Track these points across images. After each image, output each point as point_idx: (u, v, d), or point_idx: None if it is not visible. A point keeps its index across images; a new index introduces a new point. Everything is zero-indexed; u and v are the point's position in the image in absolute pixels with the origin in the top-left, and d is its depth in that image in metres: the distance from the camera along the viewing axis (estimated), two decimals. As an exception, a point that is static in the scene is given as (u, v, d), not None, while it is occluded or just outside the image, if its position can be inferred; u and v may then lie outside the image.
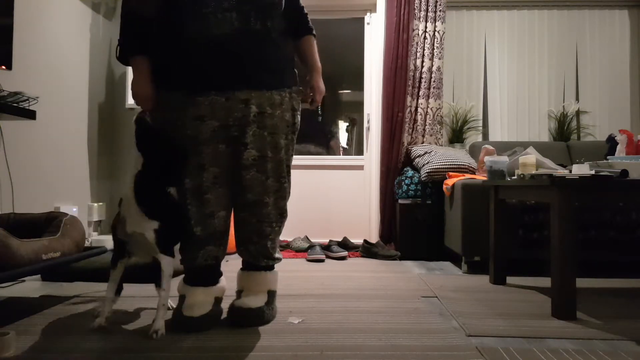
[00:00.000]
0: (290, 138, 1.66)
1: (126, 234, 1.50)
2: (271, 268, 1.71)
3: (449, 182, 2.95)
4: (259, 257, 1.68)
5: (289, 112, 1.62)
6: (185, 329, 1.53)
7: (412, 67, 3.60)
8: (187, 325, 1.53)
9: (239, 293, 1.70)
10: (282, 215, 1.68)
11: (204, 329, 1.54)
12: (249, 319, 1.58)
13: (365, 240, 3.31)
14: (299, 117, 1.69)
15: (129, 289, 2.14)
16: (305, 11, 1.77)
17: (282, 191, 1.65)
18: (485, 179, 2.47)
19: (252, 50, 1.52)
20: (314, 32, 1.78)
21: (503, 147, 3.13)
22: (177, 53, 1.52)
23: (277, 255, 1.73)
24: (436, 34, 3.62)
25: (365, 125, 3.90)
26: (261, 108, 1.55)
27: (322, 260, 3.05)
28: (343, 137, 4.69)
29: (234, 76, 1.52)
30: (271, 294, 1.69)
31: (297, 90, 1.67)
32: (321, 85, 1.77)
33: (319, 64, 1.79)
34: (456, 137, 3.77)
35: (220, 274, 1.72)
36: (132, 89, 1.55)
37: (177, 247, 1.62)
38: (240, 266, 1.76)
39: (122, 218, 1.50)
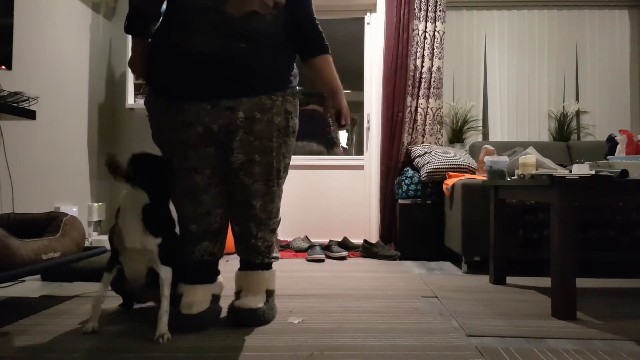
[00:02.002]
0: (283, 141, 1.62)
1: (124, 248, 1.51)
2: (268, 267, 1.71)
3: (449, 182, 2.95)
4: (254, 255, 1.68)
5: (280, 115, 1.59)
6: (184, 328, 1.53)
7: (412, 67, 3.60)
8: (186, 323, 1.53)
9: (238, 294, 1.70)
10: (270, 218, 1.67)
11: (203, 327, 1.54)
12: (250, 320, 1.59)
13: (365, 240, 3.31)
14: (294, 119, 1.65)
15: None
16: (320, 29, 1.67)
17: (270, 195, 1.64)
18: (485, 179, 2.47)
19: (238, 62, 1.50)
20: (329, 50, 1.69)
21: (503, 147, 3.13)
22: (166, 61, 1.54)
23: (273, 254, 1.73)
24: (436, 34, 3.62)
25: (365, 125, 3.90)
26: (249, 113, 1.54)
27: (322, 260, 3.05)
28: (343, 137, 4.69)
29: (217, 87, 1.51)
30: (270, 293, 1.70)
31: (291, 92, 1.63)
32: (345, 105, 1.71)
33: (340, 84, 1.69)
34: (456, 137, 3.77)
35: (218, 272, 1.72)
36: (128, 64, 1.71)
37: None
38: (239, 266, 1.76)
39: (119, 231, 1.51)
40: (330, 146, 4.30)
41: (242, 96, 1.53)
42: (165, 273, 1.51)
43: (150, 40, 1.65)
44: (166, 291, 1.50)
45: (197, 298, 1.59)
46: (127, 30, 1.67)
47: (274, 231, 1.71)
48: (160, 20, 1.63)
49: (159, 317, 1.47)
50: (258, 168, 1.59)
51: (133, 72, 1.71)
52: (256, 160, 1.58)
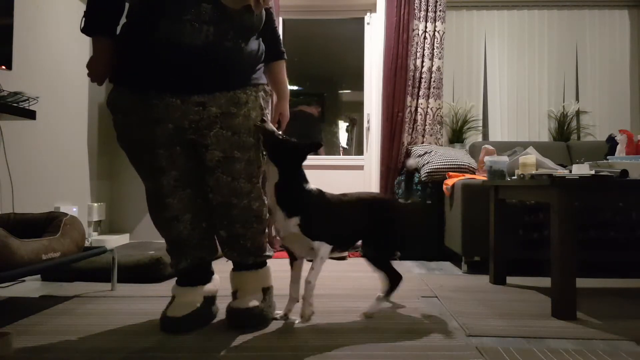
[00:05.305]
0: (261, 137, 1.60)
1: (284, 239, 1.59)
2: (262, 265, 1.68)
3: (449, 182, 2.95)
4: (245, 256, 1.64)
5: (256, 110, 1.56)
6: (168, 330, 1.52)
7: (412, 67, 3.60)
8: (169, 325, 1.52)
9: (234, 294, 1.66)
10: (257, 217, 1.60)
11: (187, 329, 1.52)
12: (248, 320, 1.56)
13: (365, 240, 3.31)
14: (268, 116, 1.64)
15: (129, 289, 2.14)
16: (278, 33, 1.79)
17: (255, 192, 1.58)
18: (485, 179, 2.47)
19: (216, 59, 1.47)
20: (285, 56, 1.82)
21: (503, 147, 3.12)
22: (141, 52, 1.47)
23: (265, 252, 1.68)
24: (436, 34, 3.62)
25: (365, 125, 3.90)
26: (223, 108, 1.50)
27: (322, 260, 3.05)
28: (343, 137, 4.70)
29: (190, 80, 1.47)
30: (266, 291, 1.66)
31: (264, 89, 1.62)
32: (287, 112, 1.84)
33: (288, 90, 1.85)
34: (456, 137, 3.77)
35: (212, 274, 1.70)
36: (87, 65, 1.54)
37: None
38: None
39: (277, 229, 1.58)
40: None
41: (215, 91, 1.49)
42: (318, 246, 1.55)
43: (120, 31, 1.54)
44: (316, 264, 1.56)
45: (184, 300, 1.57)
46: (87, 29, 1.52)
47: (263, 232, 1.65)
48: (125, 14, 1.55)
49: (303, 299, 1.55)
50: (239, 165, 1.54)
51: (92, 75, 1.54)
52: (236, 157, 1.53)
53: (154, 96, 1.47)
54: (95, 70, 1.54)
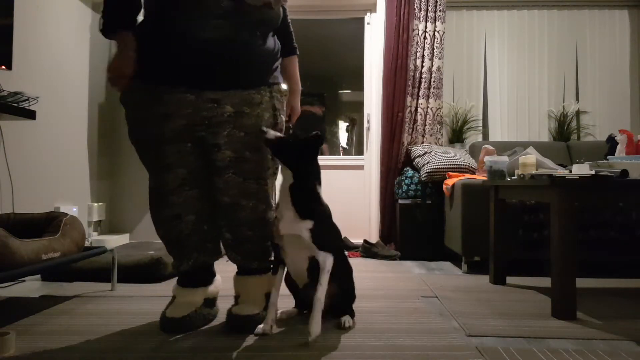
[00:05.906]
0: None
1: (279, 237, 1.49)
2: (266, 270, 1.65)
3: (449, 182, 2.95)
4: (250, 260, 1.62)
5: (269, 111, 1.55)
6: (166, 330, 1.52)
7: (412, 67, 3.60)
8: (167, 325, 1.52)
9: (237, 298, 1.64)
10: (262, 219, 1.57)
11: (186, 330, 1.52)
12: (247, 327, 1.53)
13: (365, 240, 3.31)
14: (282, 117, 1.62)
15: (129, 289, 2.15)
16: (291, 29, 1.80)
17: (262, 193, 1.56)
18: (485, 179, 2.47)
19: (232, 54, 1.47)
20: (298, 51, 1.84)
21: (503, 147, 3.12)
22: (156, 46, 1.46)
23: (270, 257, 1.66)
24: (436, 34, 3.62)
25: (365, 125, 3.90)
26: (238, 107, 1.49)
27: (322, 260, 3.04)
28: (343, 137, 4.70)
29: (205, 75, 1.46)
30: (269, 297, 1.62)
31: (278, 89, 1.61)
32: (298, 107, 1.87)
33: (300, 85, 1.87)
34: (456, 137, 3.77)
35: (213, 275, 1.69)
36: (112, 64, 1.44)
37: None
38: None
39: (276, 220, 1.51)
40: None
41: (230, 88, 1.48)
42: (324, 258, 1.46)
43: (137, 29, 1.51)
44: (323, 279, 1.45)
45: (184, 301, 1.57)
46: (108, 27, 1.46)
47: (269, 236, 1.61)
48: (142, 10, 1.53)
49: (312, 316, 1.43)
50: (248, 165, 1.52)
51: (120, 73, 1.44)
52: (246, 157, 1.52)
53: (166, 91, 1.46)
54: (126, 68, 1.44)
